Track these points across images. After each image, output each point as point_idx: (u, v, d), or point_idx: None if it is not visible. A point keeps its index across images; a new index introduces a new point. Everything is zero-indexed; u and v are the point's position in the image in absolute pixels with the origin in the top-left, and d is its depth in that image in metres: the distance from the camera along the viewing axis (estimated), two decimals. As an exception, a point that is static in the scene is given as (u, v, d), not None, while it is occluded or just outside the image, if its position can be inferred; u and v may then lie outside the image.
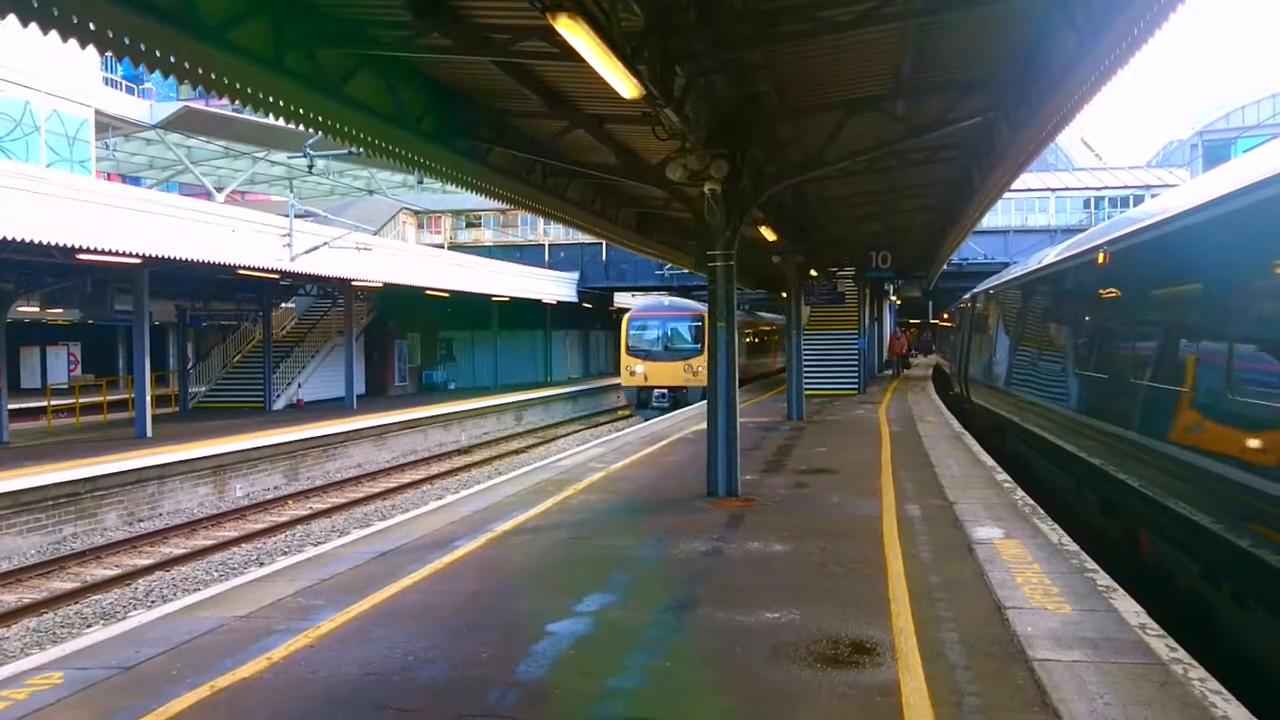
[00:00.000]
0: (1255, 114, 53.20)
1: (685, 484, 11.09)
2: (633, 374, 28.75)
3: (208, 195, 38.23)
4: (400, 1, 7.38)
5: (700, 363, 26.57)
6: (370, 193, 46.19)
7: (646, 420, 22.92)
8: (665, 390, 28.14)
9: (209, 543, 14.12)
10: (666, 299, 31.59)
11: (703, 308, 27.24)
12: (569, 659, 5.30)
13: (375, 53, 8.18)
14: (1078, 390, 10.67)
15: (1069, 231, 35.66)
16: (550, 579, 7.14)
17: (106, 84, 34.63)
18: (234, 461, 17.89)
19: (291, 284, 27.73)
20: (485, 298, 34.01)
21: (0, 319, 19.56)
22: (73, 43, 5.49)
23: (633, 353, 28.88)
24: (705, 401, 24.80)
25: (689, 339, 28.68)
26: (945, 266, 33.57)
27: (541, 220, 40.34)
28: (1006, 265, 28.11)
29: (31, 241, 14.68)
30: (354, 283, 26.62)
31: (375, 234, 36.50)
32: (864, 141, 11.54)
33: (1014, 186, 17.63)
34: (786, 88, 10.15)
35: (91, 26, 5.49)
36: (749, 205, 10.81)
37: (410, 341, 37.47)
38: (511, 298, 35.36)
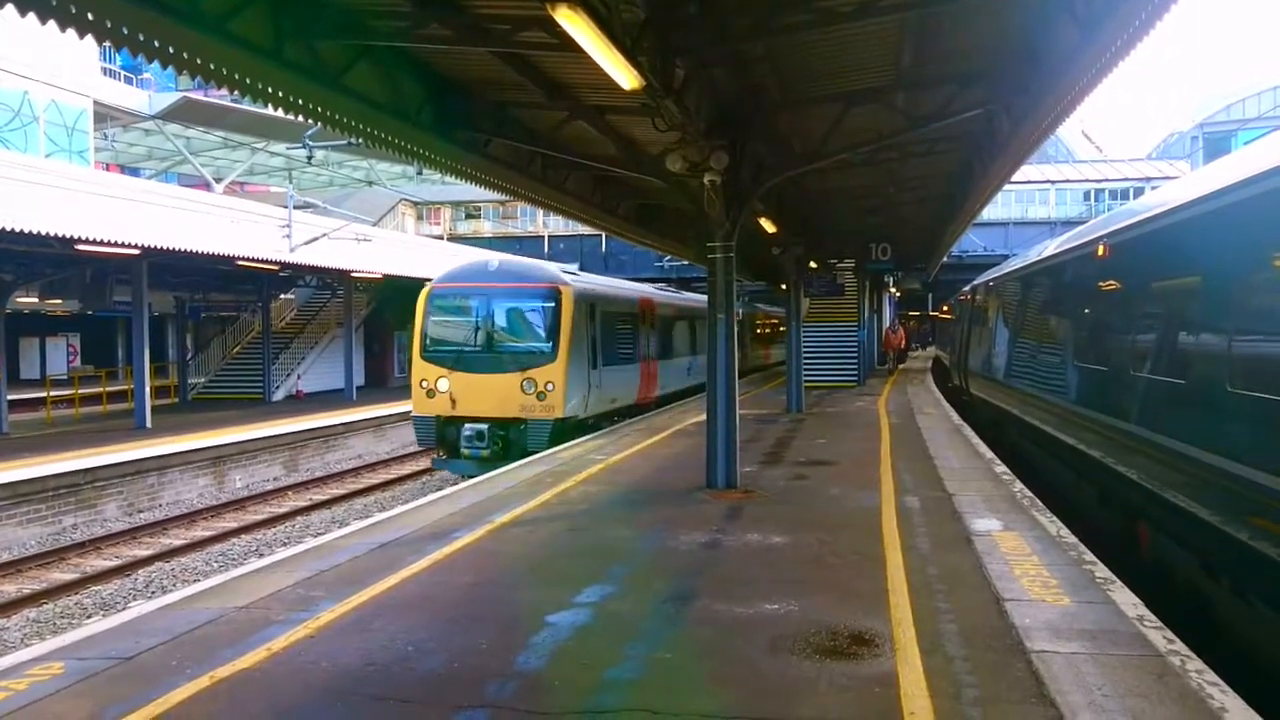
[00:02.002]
0: (1256, 106, 53.15)
1: (684, 476, 11.09)
2: (429, 394, 15.97)
3: (207, 186, 38.21)
4: (399, -8, 7.35)
5: (553, 375, 15.47)
6: (369, 184, 46.21)
7: (467, 480, 12.83)
8: (486, 425, 15.45)
9: (208, 534, 14.14)
10: (496, 260, 17.67)
11: (560, 274, 16.96)
12: (568, 650, 5.31)
13: (375, 43, 8.16)
14: (1077, 383, 10.68)
15: (1069, 224, 35.66)
16: (549, 570, 7.15)
17: (105, 74, 34.56)
18: (233, 453, 17.91)
19: (291, 275, 27.71)
20: (485, 289, 33.86)
21: (-1, 310, 19.55)
22: (71, 33, 5.47)
23: (431, 355, 16.28)
24: (646, 414, 19.23)
25: (537, 330, 16.28)
26: (945, 259, 33.55)
27: (541, 212, 40.34)
28: (1006, 257, 28.10)
29: (30, 232, 14.66)
30: (353, 274, 26.59)
31: (374, 225, 36.52)
32: (864, 133, 11.52)
33: (1014, 178, 17.62)
34: (787, 79, 10.13)
35: (90, 16, 5.47)
36: (749, 197, 10.80)
37: (410, 333, 37.45)
38: (510, 289, 35.24)
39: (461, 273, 17.34)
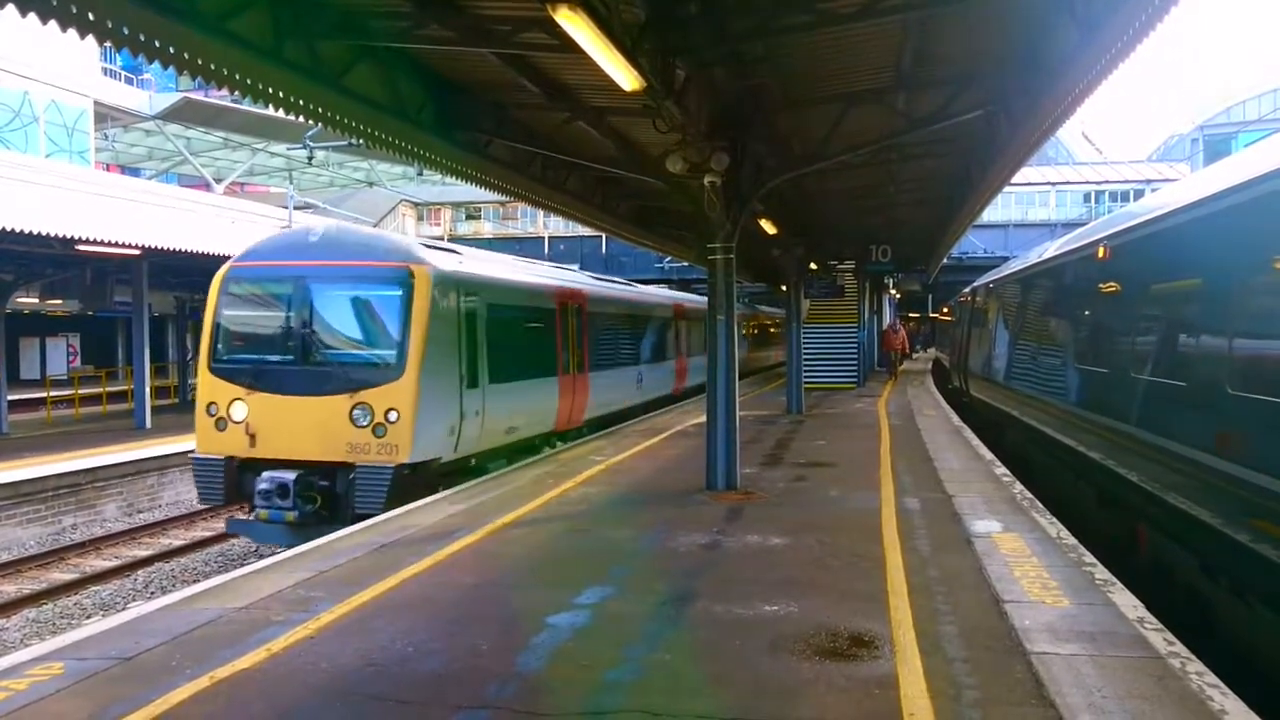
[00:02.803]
0: (1257, 108, 53.19)
1: (684, 477, 11.09)
2: (219, 424, 11.25)
3: (207, 186, 38.20)
4: (400, -8, 7.35)
5: (399, 398, 10.68)
6: (370, 184, 46.18)
7: (276, 549, 10.13)
8: (294, 474, 10.64)
9: (208, 534, 14.13)
10: (320, 227, 12.48)
11: (416, 250, 11.76)
12: (568, 651, 5.31)
13: (375, 44, 8.17)
14: (1077, 385, 10.68)
15: (1069, 226, 35.66)
16: (549, 571, 7.15)
17: (105, 74, 34.58)
18: (233, 453, 17.87)
19: (291, 276, 27.64)
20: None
21: (-1, 310, 19.56)
22: (72, 33, 5.48)
23: (223, 367, 11.46)
24: (579, 439, 15.24)
25: (376, 332, 11.42)
26: (945, 260, 33.56)
27: (541, 213, 40.35)
28: (1006, 259, 28.11)
29: (31, 232, 14.66)
30: (353, 275, 26.54)
31: (375, 226, 36.50)
32: (864, 135, 11.53)
33: (1014, 180, 17.64)
34: (787, 80, 10.14)
35: (90, 16, 5.49)
36: (749, 198, 10.80)
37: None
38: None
39: (270, 247, 12.06)
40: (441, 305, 11.36)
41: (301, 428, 10.84)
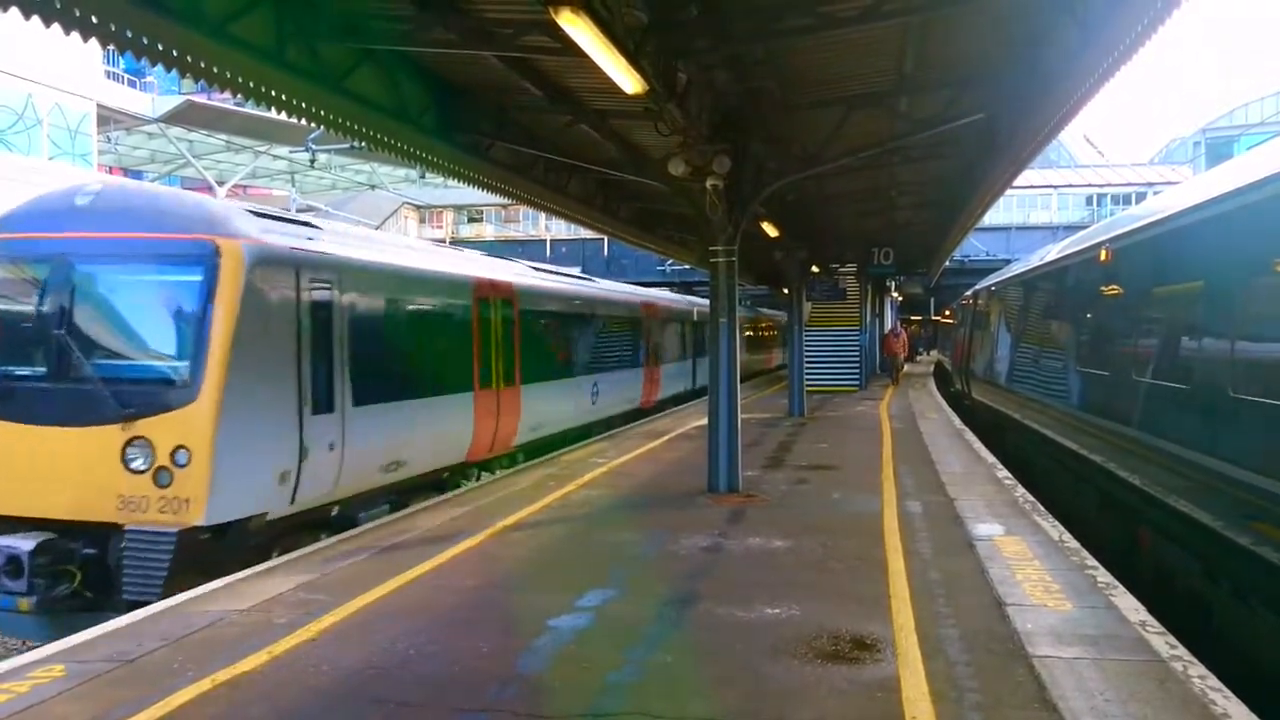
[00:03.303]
0: (1259, 111, 53.21)
1: (686, 479, 11.09)
2: None
3: (209, 189, 38.24)
4: (402, -4, 7.35)
5: (191, 429, 7.30)
6: (372, 187, 46.24)
7: (27, 643, 7.49)
8: (41, 538, 7.14)
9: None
10: (96, 185, 8.30)
11: (229, 216, 8.17)
12: (569, 653, 5.30)
13: (377, 47, 8.18)
14: (1079, 388, 10.67)
15: (1071, 229, 35.67)
16: (551, 574, 7.15)
17: (108, 77, 34.64)
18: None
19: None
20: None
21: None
22: (75, 36, 5.50)
23: None
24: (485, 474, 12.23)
25: (162, 333, 7.92)
26: (947, 263, 33.55)
27: (543, 215, 40.43)
28: (1008, 262, 28.11)
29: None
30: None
31: (377, 228, 36.52)
32: (866, 138, 11.53)
33: (1016, 183, 17.62)
34: (788, 84, 10.14)
35: (94, 20, 5.50)
36: (751, 201, 10.80)
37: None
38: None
39: (26, 214, 8.41)
40: (266, 295, 8.07)
41: (56, 472, 7.53)
